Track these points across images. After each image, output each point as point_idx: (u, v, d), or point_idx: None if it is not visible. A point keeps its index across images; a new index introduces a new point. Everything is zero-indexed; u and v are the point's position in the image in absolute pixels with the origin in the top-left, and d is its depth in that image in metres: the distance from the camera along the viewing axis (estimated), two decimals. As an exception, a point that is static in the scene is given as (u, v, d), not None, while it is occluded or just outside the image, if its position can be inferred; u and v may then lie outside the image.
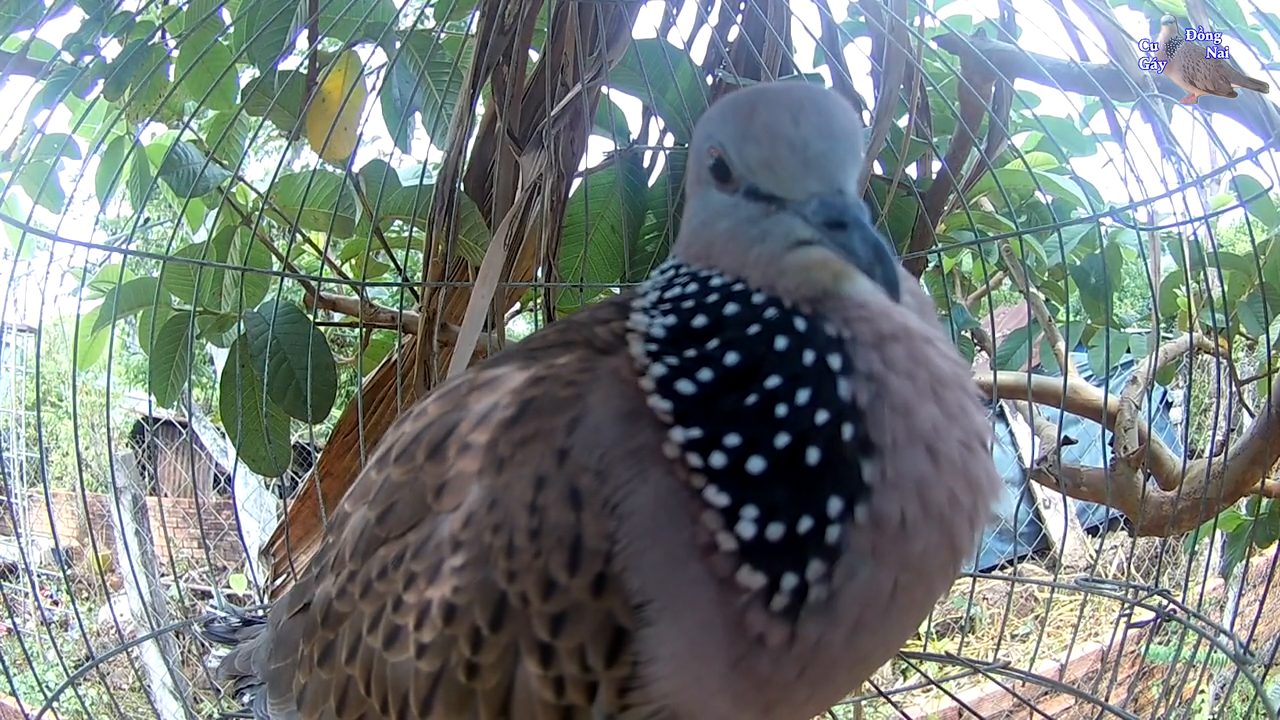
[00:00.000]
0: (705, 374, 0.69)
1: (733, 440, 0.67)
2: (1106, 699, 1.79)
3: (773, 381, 0.68)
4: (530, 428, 0.73)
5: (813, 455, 0.66)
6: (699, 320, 0.72)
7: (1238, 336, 2.68)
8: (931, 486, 0.68)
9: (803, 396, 0.67)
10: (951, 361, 0.73)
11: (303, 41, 1.98)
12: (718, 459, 0.67)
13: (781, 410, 0.67)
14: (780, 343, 0.69)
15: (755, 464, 0.67)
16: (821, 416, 0.67)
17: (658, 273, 0.81)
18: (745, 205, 0.72)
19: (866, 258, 0.65)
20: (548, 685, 0.71)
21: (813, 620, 0.67)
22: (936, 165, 2.21)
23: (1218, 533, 2.95)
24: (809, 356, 0.68)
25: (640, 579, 0.68)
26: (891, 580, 0.68)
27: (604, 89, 2.00)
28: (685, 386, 0.69)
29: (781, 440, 0.67)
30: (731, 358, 0.69)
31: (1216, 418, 2.85)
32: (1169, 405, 6.54)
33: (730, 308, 0.71)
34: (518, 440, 0.73)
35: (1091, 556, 6.73)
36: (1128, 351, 2.94)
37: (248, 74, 2.21)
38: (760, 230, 0.71)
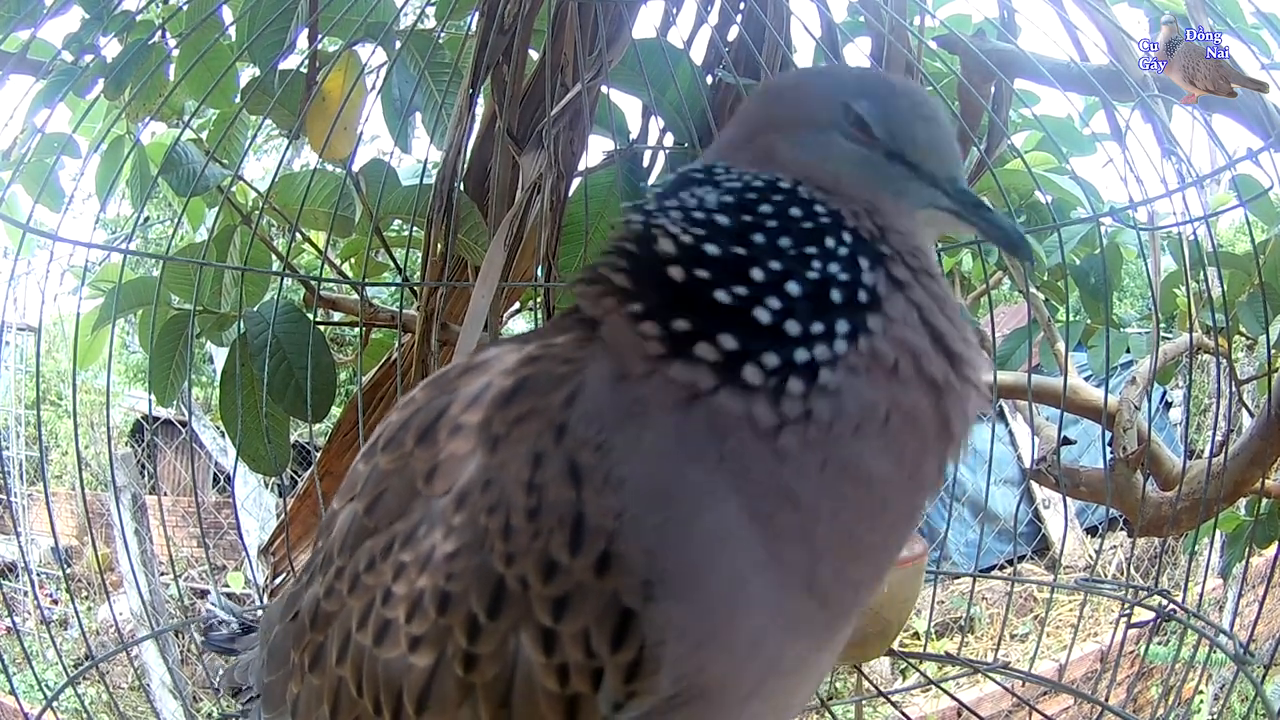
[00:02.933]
0: (759, 237, 0.75)
1: (775, 265, 0.73)
2: (1106, 699, 1.79)
3: (811, 249, 0.75)
4: (526, 405, 0.72)
5: (835, 295, 0.73)
6: (765, 207, 0.78)
7: (1237, 336, 2.68)
8: (927, 359, 0.74)
9: (834, 267, 0.74)
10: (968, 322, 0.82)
11: (303, 41, 1.98)
12: (757, 273, 0.72)
13: (815, 265, 0.74)
14: (828, 241, 0.76)
15: (792, 286, 0.72)
16: (844, 277, 0.74)
17: (709, 186, 0.83)
18: (885, 163, 0.82)
19: (1014, 233, 0.82)
20: (550, 674, 0.69)
21: (822, 401, 0.70)
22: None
23: (1217, 533, 2.96)
24: (844, 250, 0.76)
25: (642, 548, 0.67)
26: (885, 408, 0.71)
27: (604, 89, 2.00)
28: (723, 219, 0.76)
29: (813, 273, 0.73)
30: (785, 241, 0.75)
31: (1216, 418, 2.86)
32: (1168, 405, 6.55)
33: (795, 210, 0.78)
34: (513, 419, 0.72)
35: (1091, 556, 6.73)
36: (1127, 351, 2.94)
37: (248, 73, 2.22)
38: (900, 187, 0.82)
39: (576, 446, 0.69)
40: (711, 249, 0.74)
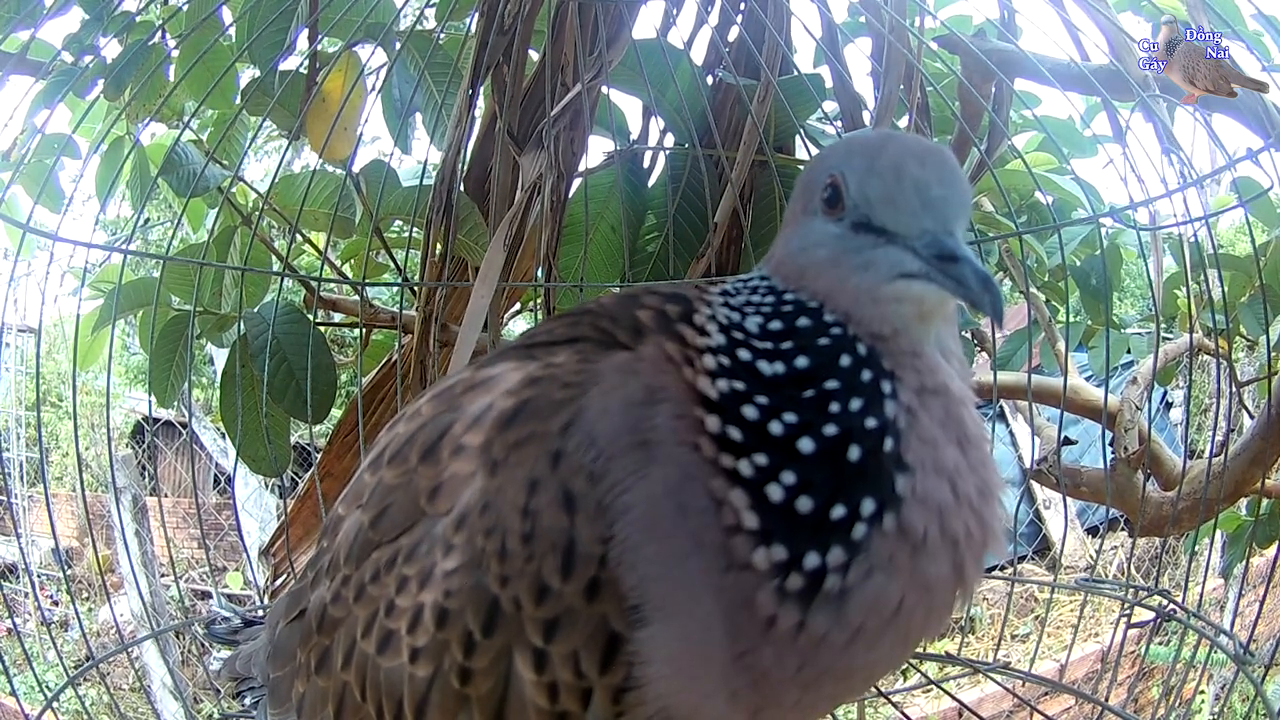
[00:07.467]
0: (778, 367, 0.73)
1: (790, 418, 0.70)
2: (1106, 699, 1.79)
3: (832, 384, 0.72)
4: (525, 430, 0.73)
5: (854, 453, 0.70)
6: (775, 325, 0.75)
7: (1238, 337, 2.68)
8: (951, 515, 0.72)
9: (856, 404, 0.71)
10: (979, 426, 0.77)
11: (303, 41, 1.98)
12: (776, 427, 0.70)
13: (835, 408, 0.71)
14: (845, 360, 0.73)
15: (805, 444, 0.70)
16: (870, 423, 0.71)
17: (739, 281, 0.82)
18: (851, 236, 0.75)
19: (976, 287, 0.70)
20: (542, 691, 0.71)
21: (822, 613, 0.69)
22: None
23: (1218, 533, 2.95)
24: (866, 375, 0.73)
25: (636, 576, 0.68)
26: (900, 596, 0.70)
27: (604, 89, 1.99)
28: (766, 368, 0.73)
29: (830, 429, 0.70)
30: (802, 361, 0.73)
31: (1216, 418, 2.86)
32: (1169, 406, 6.54)
33: (803, 321, 0.75)
34: (512, 443, 0.73)
35: (1091, 557, 6.73)
36: (1128, 352, 2.94)
37: (248, 74, 2.22)
38: (865, 260, 0.74)
39: (571, 474, 0.70)
40: (739, 387, 0.72)
